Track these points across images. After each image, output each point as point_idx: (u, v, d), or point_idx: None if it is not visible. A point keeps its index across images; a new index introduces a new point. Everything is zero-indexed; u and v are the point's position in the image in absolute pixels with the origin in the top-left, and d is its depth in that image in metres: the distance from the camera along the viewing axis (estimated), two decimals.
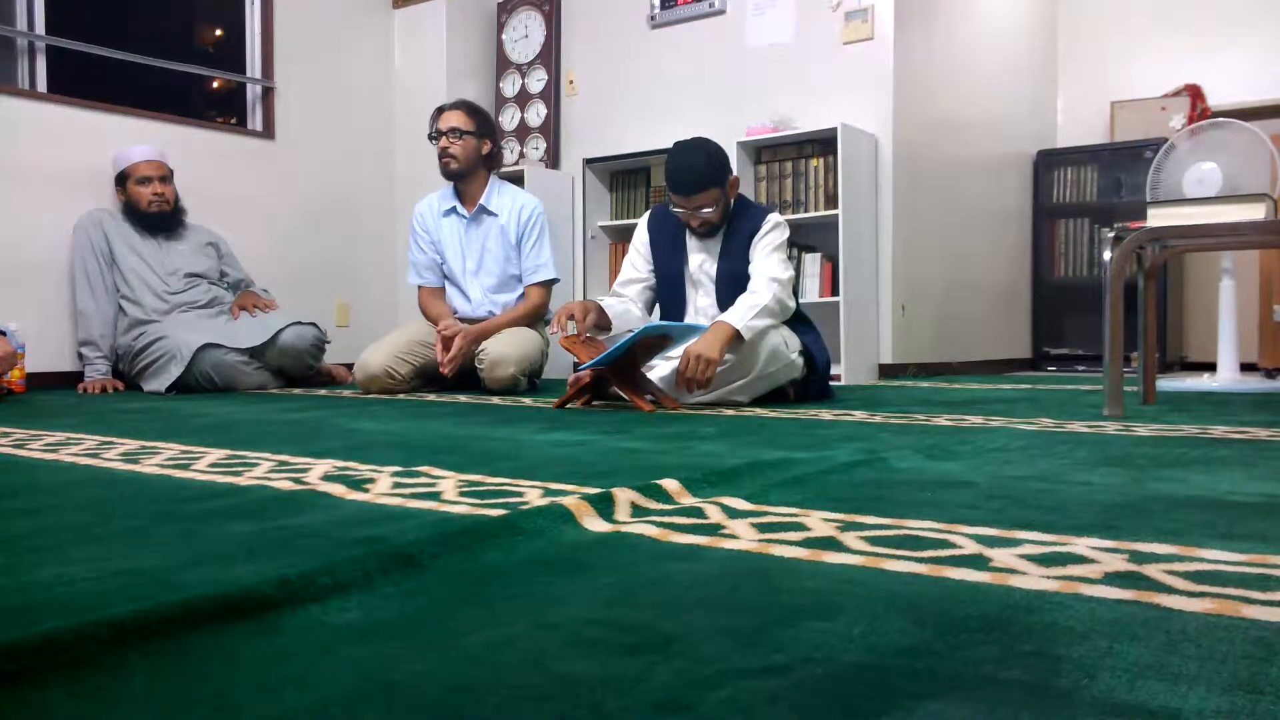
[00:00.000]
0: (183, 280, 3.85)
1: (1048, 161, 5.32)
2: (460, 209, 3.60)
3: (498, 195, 3.61)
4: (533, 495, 1.26)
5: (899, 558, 0.93)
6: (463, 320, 3.53)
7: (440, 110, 3.56)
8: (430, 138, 3.56)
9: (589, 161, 4.77)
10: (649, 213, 3.09)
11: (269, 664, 0.66)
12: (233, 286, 4.06)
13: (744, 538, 1.02)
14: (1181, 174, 3.26)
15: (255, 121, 4.72)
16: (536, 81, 5.05)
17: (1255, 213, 2.40)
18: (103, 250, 3.81)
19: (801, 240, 4.17)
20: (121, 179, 3.85)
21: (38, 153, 3.88)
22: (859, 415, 2.43)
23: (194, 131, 4.39)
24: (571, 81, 5.01)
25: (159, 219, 3.85)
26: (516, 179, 4.47)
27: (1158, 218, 2.52)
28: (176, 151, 4.10)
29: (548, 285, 3.63)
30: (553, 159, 5.00)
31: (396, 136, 5.21)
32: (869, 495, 1.28)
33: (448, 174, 3.56)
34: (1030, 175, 5.34)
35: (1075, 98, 5.54)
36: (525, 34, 5.09)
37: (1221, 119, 3.46)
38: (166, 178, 3.87)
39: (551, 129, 5.01)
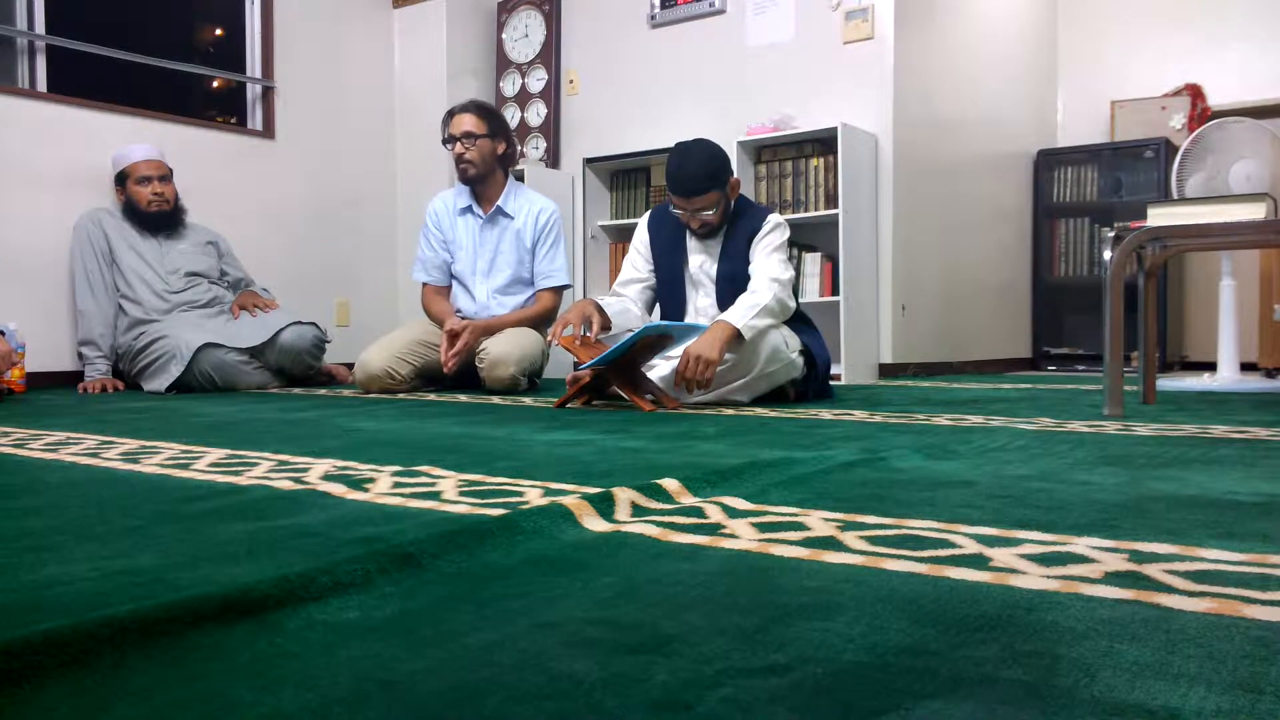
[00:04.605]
0: (183, 280, 3.85)
1: (1048, 161, 5.32)
2: (476, 209, 3.62)
3: (515, 198, 3.63)
4: (533, 495, 1.26)
5: (899, 557, 0.93)
6: (466, 320, 3.55)
7: (451, 114, 3.54)
8: (444, 143, 3.56)
9: (589, 161, 4.77)
10: (649, 213, 3.09)
11: (268, 663, 0.66)
12: (233, 286, 4.06)
13: (744, 537, 1.02)
14: (1227, 169, 3.29)
15: (255, 121, 4.72)
16: (536, 81, 5.05)
17: (1255, 212, 2.40)
18: (102, 249, 3.81)
19: (801, 240, 4.17)
20: (121, 178, 3.85)
21: (37, 152, 3.88)
22: (859, 415, 2.43)
23: (194, 131, 4.39)
24: (572, 81, 5.01)
25: (159, 218, 3.85)
26: (517, 178, 4.47)
27: (1158, 217, 2.52)
28: (176, 151, 4.10)
29: (559, 291, 3.64)
30: (553, 158, 5.00)
31: (396, 135, 5.20)
32: (869, 495, 1.28)
33: (465, 179, 3.56)
34: (1030, 175, 5.34)
35: (1075, 97, 5.54)
36: (525, 33, 5.09)
37: (1247, 119, 3.50)
38: (166, 177, 3.87)
39: (551, 128, 5.01)
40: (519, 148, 4.96)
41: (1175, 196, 3.54)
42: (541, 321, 3.57)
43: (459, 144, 3.49)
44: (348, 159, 4.99)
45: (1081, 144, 5.36)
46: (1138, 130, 5.12)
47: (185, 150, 4.22)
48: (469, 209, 3.62)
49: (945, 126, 4.56)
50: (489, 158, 3.53)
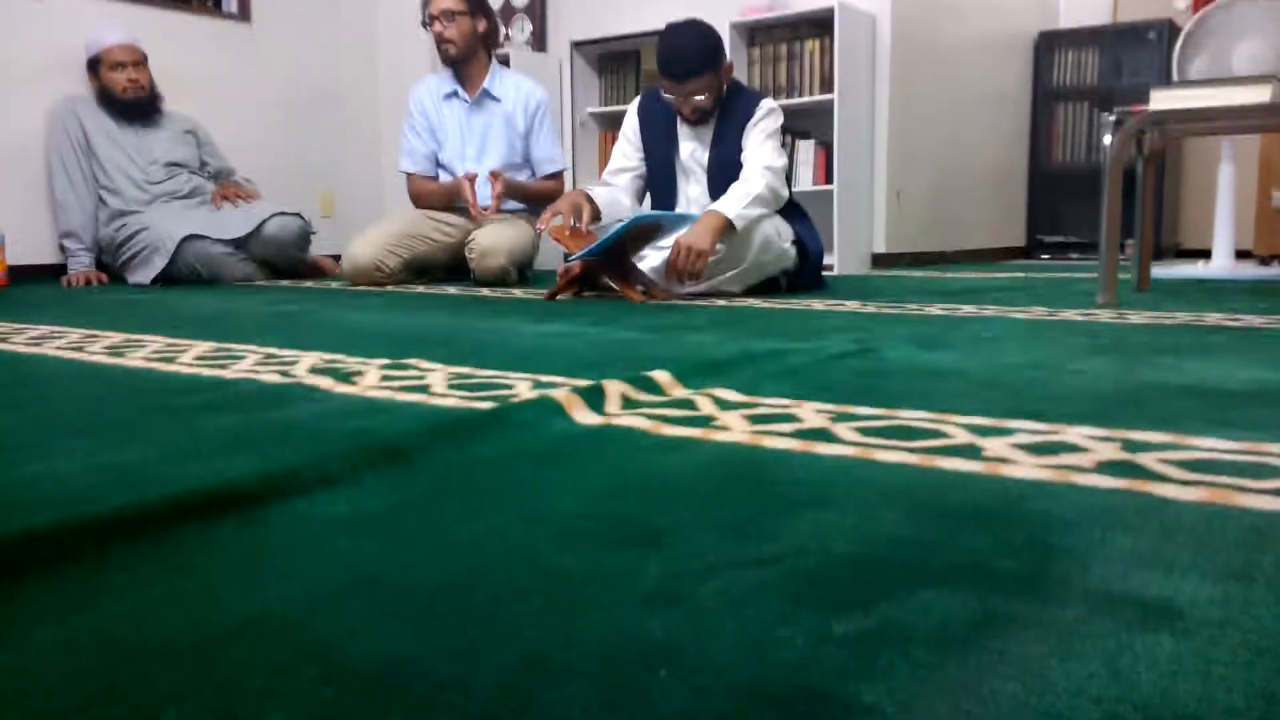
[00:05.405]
0: (163, 170, 3.77)
1: (1049, 43, 5.17)
2: (462, 93, 3.53)
3: (500, 80, 3.54)
4: (522, 387, 1.25)
5: (891, 448, 0.93)
6: (459, 210, 3.50)
7: None
8: (423, 24, 3.46)
9: (577, 44, 4.62)
10: (638, 98, 3.00)
11: (254, 557, 0.66)
12: (214, 176, 3.97)
13: (735, 429, 1.02)
14: (1231, 51, 3.19)
15: (230, 3, 4.54)
16: None
17: (1260, 95, 2.34)
18: (79, 139, 3.71)
19: (795, 126, 4.08)
20: (94, 64, 3.72)
21: (5, 40, 3.73)
22: (851, 305, 2.41)
23: (168, 15, 4.22)
24: None
25: (135, 106, 3.74)
26: (502, 62, 4.33)
27: (1160, 101, 2.45)
28: (150, 35, 3.95)
29: (560, 175, 3.60)
30: (539, 41, 4.84)
31: (379, 20, 5.03)
32: (861, 386, 1.27)
33: (447, 60, 3.48)
34: (1031, 57, 5.21)
35: None
36: None
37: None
38: (141, 63, 3.74)
39: (538, 10, 4.84)
40: (502, 29, 4.80)
41: (1177, 80, 3.45)
42: (549, 201, 3.52)
43: (438, 23, 3.39)
44: (328, 44, 4.82)
45: (1084, 25, 5.20)
46: (1141, 11, 4.98)
47: (159, 35, 4.07)
48: (454, 94, 3.53)
49: (945, 6, 4.42)
50: (470, 36, 3.43)
